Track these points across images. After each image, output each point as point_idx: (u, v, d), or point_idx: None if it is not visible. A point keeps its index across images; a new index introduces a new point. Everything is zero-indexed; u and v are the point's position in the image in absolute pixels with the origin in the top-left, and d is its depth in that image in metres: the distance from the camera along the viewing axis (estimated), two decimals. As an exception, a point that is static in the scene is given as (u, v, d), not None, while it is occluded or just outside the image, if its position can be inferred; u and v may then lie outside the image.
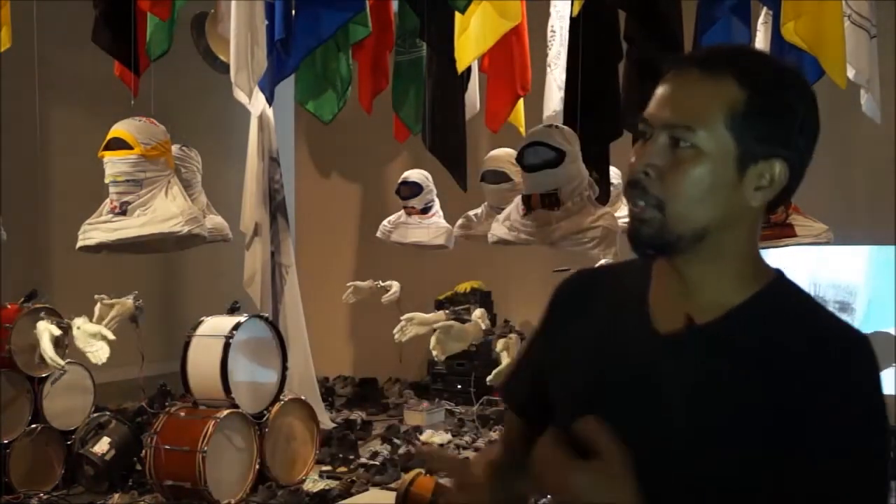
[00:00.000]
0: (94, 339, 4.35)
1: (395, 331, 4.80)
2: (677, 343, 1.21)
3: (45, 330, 4.46)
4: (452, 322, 4.69)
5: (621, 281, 1.34)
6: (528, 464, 1.16)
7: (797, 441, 1.13)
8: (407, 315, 4.83)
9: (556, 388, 1.34)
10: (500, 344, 4.53)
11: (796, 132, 1.18)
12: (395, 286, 5.84)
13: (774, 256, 6.15)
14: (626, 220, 1.28)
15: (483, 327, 4.70)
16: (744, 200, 1.19)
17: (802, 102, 1.19)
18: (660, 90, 1.21)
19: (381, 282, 5.94)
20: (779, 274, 1.25)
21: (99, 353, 4.34)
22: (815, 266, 6.47)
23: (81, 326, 4.39)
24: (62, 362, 4.48)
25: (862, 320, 6.36)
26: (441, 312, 4.98)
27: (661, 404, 1.20)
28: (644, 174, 1.18)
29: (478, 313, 4.80)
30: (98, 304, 4.56)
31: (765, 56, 1.26)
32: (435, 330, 4.65)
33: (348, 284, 6.00)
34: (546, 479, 1.13)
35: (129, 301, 4.60)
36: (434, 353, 4.64)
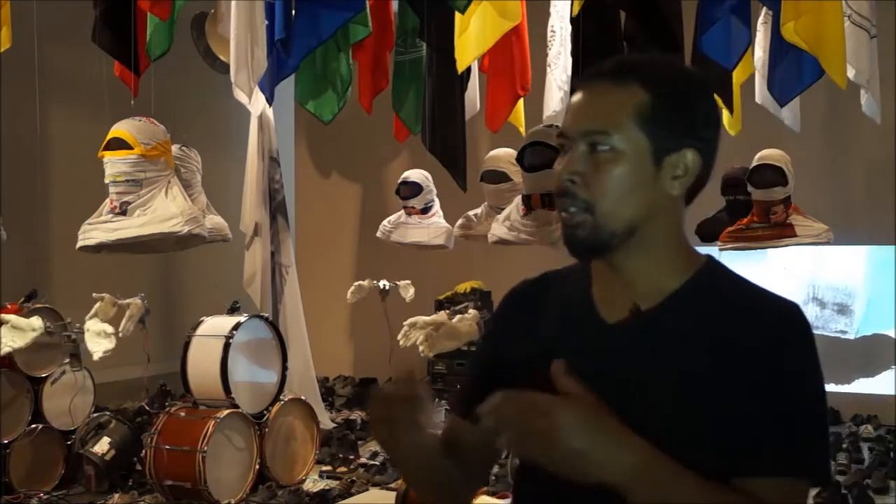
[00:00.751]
0: (99, 337, 4.35)
1: (399, 336, 4.78)
2: (625, 330, 1.30)
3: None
4: (444, 319, 4.68)
5: (565, 284, 1.43)
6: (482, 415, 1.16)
7: (750, 406, 1.22)
8: (410, 320, 4.81)
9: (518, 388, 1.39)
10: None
11: (701, 123, 1.30)
12: (411, 286, 5.85)
13: (774, 257, 6.17)
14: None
15: (477, 328, 4.69)
16: (664, 191, 1.28)
17: (701, 97, 1.32)
18: (571, 104, 1.32)
19: (378, 282, 5.93)
20: (709, 259, 1.35)
21: (99, 349, 4.33)
22: (813, 268, 6.46)
23: (91, 328, 4.39)
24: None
25: (860, 322, 6.35)
26: (443, 313, 4.98)
27: (619, 391, 1.24)
28: (570, 182, 1.27)
29: (470, 315, 4.79)
30: (98, 303, 4.54)
31: (665, 60, 1.37)
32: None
33: (354, 284, 5.96)
34: (514, 425, 1.13)
35: (138, 301, 4.61)
36: (420, 348, 4.63)
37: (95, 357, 4.35)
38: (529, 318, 1.42)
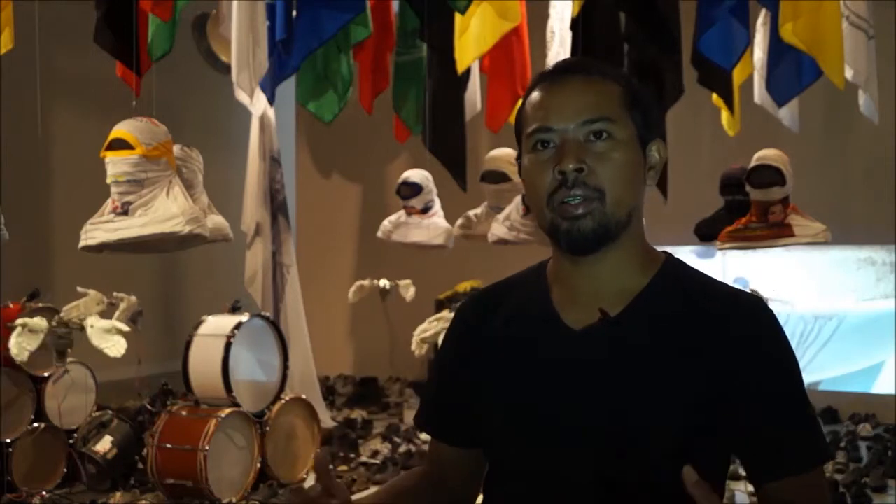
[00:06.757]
0: (109, 334, 4.35)
1: (413, 347, 4.83)
2: (595, 337, 1.27)
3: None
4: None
5: (519, 291, 1.39)
6: None
7: (732, 398, 1.23)
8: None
9: (484, 406, 1.36)
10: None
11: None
12: (411, 286, 5.85)
13: (773, 256, 6.18)
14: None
15: None
16: (644, 181, 1.32)
17: (651, 95, 1.35)
18: (550, 100, 1.29)
19: (378, 281, 5.94)
20: (668, 256, 1.35)
21: (116, 346, 4.33)
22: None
23: (95, 325, 4.38)
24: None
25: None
26: (446, 312, 4.99)
27: (591, 398, 1.25)
28: (578, 171, 1.24)
29: None
30: (83, 298, 4.54)
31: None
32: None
33: (356, 284, 5.96)
34: None
35: (132, 297, 4.61)
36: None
37: (114, 355, 4.33)
38: (488, 333, 1.38)
